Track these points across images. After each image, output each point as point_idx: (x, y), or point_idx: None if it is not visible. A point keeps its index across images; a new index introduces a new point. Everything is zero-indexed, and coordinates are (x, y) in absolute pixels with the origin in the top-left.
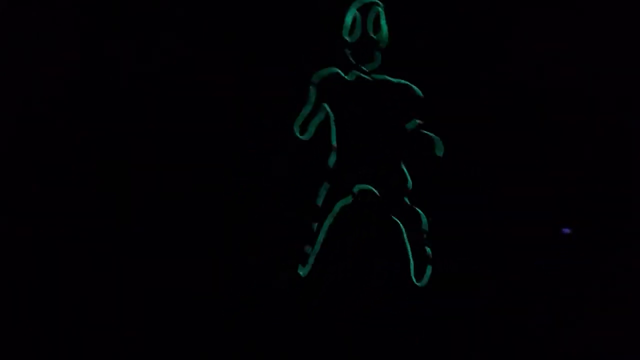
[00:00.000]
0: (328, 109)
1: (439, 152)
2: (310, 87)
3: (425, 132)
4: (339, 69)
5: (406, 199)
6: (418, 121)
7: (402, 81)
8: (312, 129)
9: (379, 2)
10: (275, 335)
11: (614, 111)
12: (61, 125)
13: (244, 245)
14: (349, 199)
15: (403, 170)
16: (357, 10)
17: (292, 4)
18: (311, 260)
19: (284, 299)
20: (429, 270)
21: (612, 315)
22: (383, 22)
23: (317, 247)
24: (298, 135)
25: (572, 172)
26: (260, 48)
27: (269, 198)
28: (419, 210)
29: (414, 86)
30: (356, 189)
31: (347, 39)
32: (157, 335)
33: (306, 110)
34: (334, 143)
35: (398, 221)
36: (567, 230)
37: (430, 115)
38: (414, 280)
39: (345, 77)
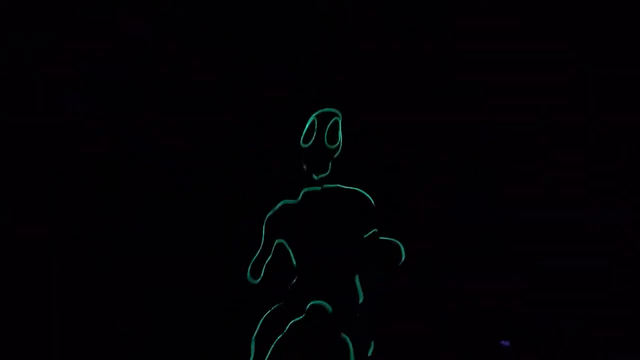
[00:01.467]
0: (284, 242)
1: (401, 257)
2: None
3: (385, 238)
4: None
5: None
6: (375, 230)
7: (356, 189)
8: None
9: (338, 112)
10: None
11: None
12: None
13: None
14: (300, 316)
15: (356, 285)
16: (316, 117)
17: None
18: None
19: None
20: None
21: (612, 315)
22: (339, 132)
23: None
24: (250, 280)
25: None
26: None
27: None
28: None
29: (366, 194)
30: (309, 305)
31: (303, 145)
32: (157, 334)
33: (257, 253)
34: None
35: (347, 339)
36: (506, 344)
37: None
38: None
39: (294, 202)
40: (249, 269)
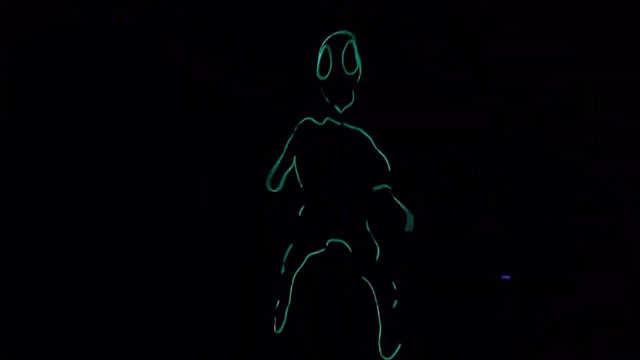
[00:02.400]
0: (295, 162)
1: (409, 227)
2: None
3: (397, 202)
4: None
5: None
6: (387, 187)
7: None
8: (282, 181)
9: (351, 34)
10: None
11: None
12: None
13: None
14: (320, 250)
15: (369, 233)
16: (329, 44)
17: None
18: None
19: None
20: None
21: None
22: (357, 56)
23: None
24: (269, 188)
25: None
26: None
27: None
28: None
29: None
30: (328, 241)
31: (320, 77)
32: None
33: (277, 163)
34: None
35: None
36: (506, 277)
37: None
38: (380, 353)
39: (318, 123)
40: (268, 179)
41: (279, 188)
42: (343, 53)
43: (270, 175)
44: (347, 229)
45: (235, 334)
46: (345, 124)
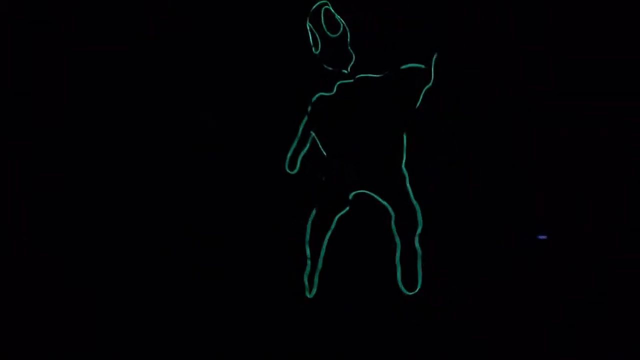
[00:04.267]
0: (314, 134)
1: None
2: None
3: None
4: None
5: (411, 197)
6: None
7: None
8: (299, 162)
9: (324, 0)
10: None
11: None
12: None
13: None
14: (345, 209)
15: (403, 171)
16: (309, 20)
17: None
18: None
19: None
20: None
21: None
22: (337, 17)
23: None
24: (288, 170)
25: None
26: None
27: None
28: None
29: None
30: (351, 195)
31: (315, 52)
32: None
33: (294, 145)
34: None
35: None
36: (542, 237)
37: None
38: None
39: (329, 94)
40: (286, 161)
41: (296, 169)
42: (323, 21)
43: (287, 157)
44: (374, 182)
45: (267, 301)
46: (357, 76)
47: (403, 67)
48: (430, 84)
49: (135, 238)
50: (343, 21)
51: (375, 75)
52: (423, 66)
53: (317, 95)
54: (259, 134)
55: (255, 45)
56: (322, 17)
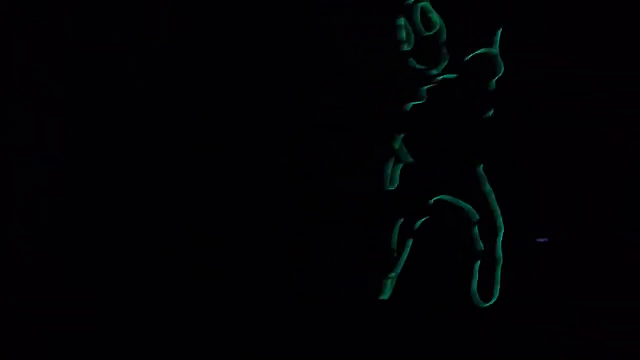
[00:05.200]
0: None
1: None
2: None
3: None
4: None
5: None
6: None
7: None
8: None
9: None
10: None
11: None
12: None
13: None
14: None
15: (481, 175)
16: (403, 15)
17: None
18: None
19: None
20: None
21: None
22: (434, 15)
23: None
24: (388, 187)
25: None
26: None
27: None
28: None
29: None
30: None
31: (406, 48)
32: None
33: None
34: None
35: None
36: (542, 240)
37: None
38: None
39: (420, 102)
40: (387, 180)
41: (396, 185)
42: (419, 17)
43: (387, 174)
44: (455, 186)
45: (340, 300)
46: (440, 77)
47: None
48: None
49: (136, 238)
50: (440, 20)
51: (452, 76)
52: (493, 50)
53: (410, 105)
54: (259, 134)
55: (257, 45)
56: (418, 12)
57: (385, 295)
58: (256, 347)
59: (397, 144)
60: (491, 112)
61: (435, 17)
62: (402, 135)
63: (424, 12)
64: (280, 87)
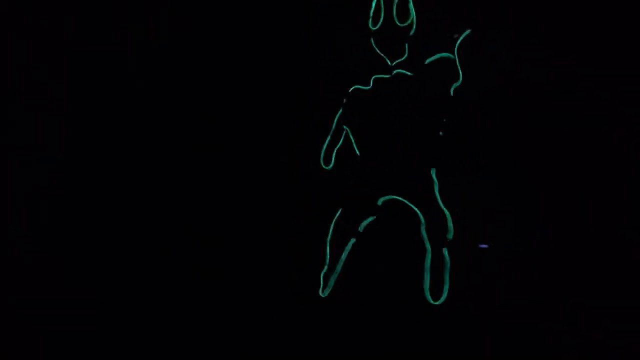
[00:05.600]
0: (348, 129)
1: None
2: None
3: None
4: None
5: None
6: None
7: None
8: (333, 156)
9: None
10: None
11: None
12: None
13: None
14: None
15: (431, 176)
16: None
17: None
18: (332, 282)
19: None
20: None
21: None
22: (411, 6)
23: (339, 267)
24: (323, 166)
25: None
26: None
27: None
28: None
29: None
30: (380, 201)
31: (372, 27)
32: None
33: (328, 140)
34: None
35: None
36: (484, 246)
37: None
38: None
39: (366, 88)
40: (321, 156)
41: (331, 165)
42: (395, 2)
43: (322, 152)
44: (406, 186)
45: (279, 297)
46: (395, 71)
47: (427, 60)
48: (460, 81)
49: (136, 238)
50: (414, 15)
51: (409, 73)
52: (451, 55)
53: (352, 88)
54: (259, 134)
55: (257, 45)
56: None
57: (325, 292)
58: (256, 347)
59: (335, 120)
60: (444, 119)
61: (411, 10)
62: (340, 111)
63: (404, 1)
64: (280, 87)
